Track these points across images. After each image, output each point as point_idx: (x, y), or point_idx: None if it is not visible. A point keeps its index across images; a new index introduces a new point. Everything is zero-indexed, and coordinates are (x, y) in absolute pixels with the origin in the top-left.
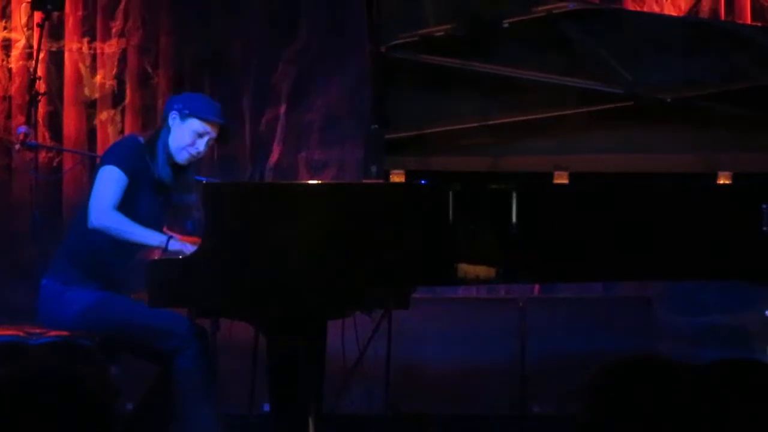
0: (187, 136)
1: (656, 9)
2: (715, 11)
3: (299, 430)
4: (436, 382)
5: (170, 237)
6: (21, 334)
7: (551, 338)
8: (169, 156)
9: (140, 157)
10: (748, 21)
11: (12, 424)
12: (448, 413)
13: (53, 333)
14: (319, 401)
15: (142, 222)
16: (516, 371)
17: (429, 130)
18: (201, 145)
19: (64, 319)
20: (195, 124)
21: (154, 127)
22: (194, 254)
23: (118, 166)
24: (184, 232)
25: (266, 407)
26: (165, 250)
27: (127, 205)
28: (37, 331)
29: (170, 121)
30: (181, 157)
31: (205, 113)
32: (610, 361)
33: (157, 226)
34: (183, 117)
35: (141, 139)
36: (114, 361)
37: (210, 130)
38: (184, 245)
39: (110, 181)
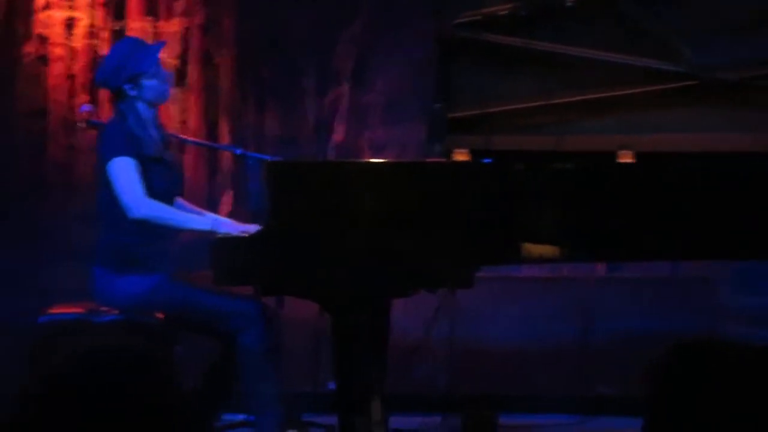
0: (156, 91)
1: None
2: None
3: (363, 409)
4: (500, 361)
5: (214, 220)
6: (85, 311)
7: (615, 318)
8: (152, 107)
9: (133, 137)
10: None
11: (79, 400)
12: (511, 393)
13: (117, 311)
14: (382, 380)
15: (164, 196)
16: (580, 351)
17: (492, 109)
18: (169, 81)
19: (123, 304)
20: (154, 77)
21: (215, 105)
22: (258, 232)
23: (126, 154)
24: (249, 212)
25: (331, 385)
26: (213, 233)
27: (145, 186)
28: (102, 309)
29: (130, 93)
30: (165, 97)
31: (148, 61)
32: (675, 341)
33: (176, 193)
34: (137, 83)
35: (120, 119)
36: (176, 338)
37: (165, 71)
38: (233, 226)
39: (129, 172)
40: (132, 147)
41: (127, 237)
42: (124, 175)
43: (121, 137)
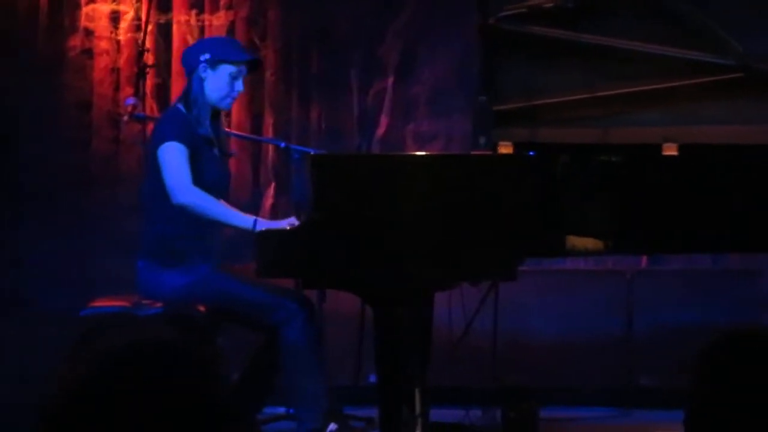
0: (223, 83)
1: None
2: None
3: (406, 402)
4: (543, 354)
5: (256, 219)
6: (128, 305)
7: (658, 310)
8: (212, 108)
9: (188, 124)
10: None
11: (123, 392)
12: (554, 386)
13: (160, 304)
14: (425, 373)
15: (212, 186)
16: (623, 344)
17: (537, 102)
18: (239, 85)
19: (167, 297)
20: (228, 69)
21: (260, 98)
22: (302, 225)
23: (177, 140)
24: (291, 204)
25: (372, 378)
26: (253, 231)
27: (194, 175)
28: (144, 302)
29: (201, 74)
30: (226, 104)
31: (234, 55)
32: (719, 333)
33: (225, 188)
34: (213, 66)
35: (180, 106)
36: (218, 331)
37: (242, 69)
38: (273, 224)
39: (178, 158)
40: (186, 134)
41: (171, 229)
42: (174, 159)
43: (176, 123)
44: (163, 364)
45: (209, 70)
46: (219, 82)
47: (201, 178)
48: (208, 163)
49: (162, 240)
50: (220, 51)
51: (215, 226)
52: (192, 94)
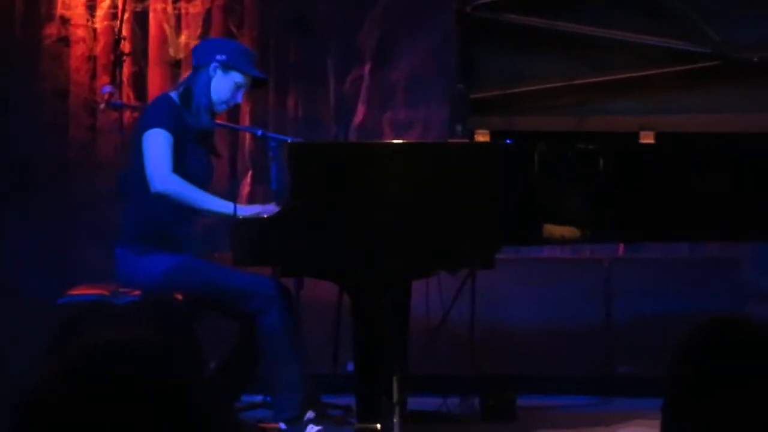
0: (227, 89)
1: None
2: None
3: (383, 390)
4: (521, 342)
5: (236, 205)
6: (105, 293)
7: (637, 299)
8: (210, 106)
9: (178, 114)
10: None
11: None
12: (532, 374)
13: (137, 292)
14: (403, 361)
15: (194, 179)
16: (601, 332)
17: (514, 90)
18: (239, 96)
19: (144, 285)
20: (237, 77)
21: None
22: (279, 213)
23: (162, 127)
24: (269, 192)
25: (350, 367)
26: (234, 217)
27: (176, 166)
28: (122, 290)
29: (210, 72)
30: (220, 108)
31: (248, 67)
32: (697, 321)
33: (208, 182)
34: (225, 69)
35: (173, 95)
36: (197, 320)
37: (248, 83)
38: (254, 209)
39: (160, 144)
40: (173, 123)
41: (150, 216)
42: (156, 146)
43: (165, 111)
44: (139, 360)
45: (220, 72)
46: (224, 86)
47: (184, 169)
48: (192, 154)
49: (141, 226)
50: (236, 58)
51: (194, 213)
52: (197, 87)
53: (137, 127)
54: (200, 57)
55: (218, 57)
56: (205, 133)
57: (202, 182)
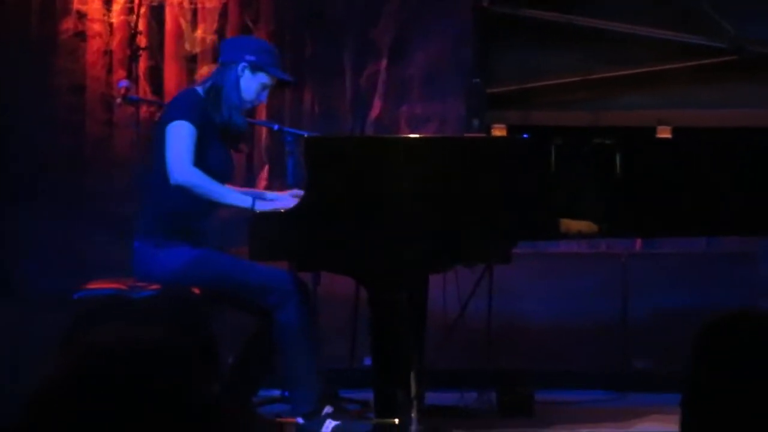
0: (253, 89)
1: None
2: None
3: (400, 384)
4: (537, 337)
5: (255, 198)
6: (122, 287)
7: (653, 294)
8: (240, 104)
9: (203, 109)
10: None
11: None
12: (549, 369)
13: (155, 286)
14: (420, 355)
15: (214, 174)
16: (618, 327)
17: (531, 85)
18: (264, 97)
19: (162, 278)
20: (264, 78)
21: None
22: (296, 207)
23: (187, 119)
24: (285, 187)
25: (367, 361)
26: (252, 210)
27: (198, 160)
28: (140, 284)
29: (239, 72)
30: (246, 107)
31: (275, 70)
32: (714, 315)
33: (228, 177)
34: (254, 70)
35: (199, 89)
36: (214, 314)
37: (273, 83)
38: (271, 197)
39: (184, 137)
40: (198, 117)
41: (170, 209)
42: (180, 138)
43: (189, 103)
44: (150, 356)
45: (248, 72)
46: (252, 87)
47: (204, 163)
48: (213, 150)
49: (160, 219)
50: (265, 59)
51: (213, 206)
52: (227, 84)
53: (161, 119)
54: (229, 54)
55: (248, 57)
56: (232, 129)
57: (223, 178)
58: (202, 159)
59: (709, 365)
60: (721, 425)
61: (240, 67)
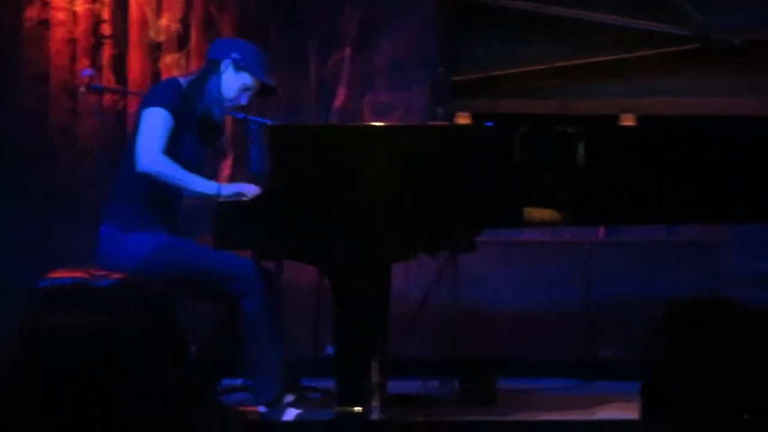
0: (234, 88)
1: None
2: None
3: (363, 373)
4: (501, 325)
5: (221, 185)
6: (86, 276)
7: (617, 282)
8: (220, 100)
9: (183, 99)
10: None
11: (82, 367)
12: (512, 357)
13: (119, 275)
14: (383, 344)
15: (185, 165)
16: (581, 315)
17: (496, 73)
18: (244, 98)
19: (128, 265)
20: (246, 79)
21: None
22: (259, 196)
23: (164, 107)
24: (249, 176)
25: (330, 350)
26: (218, 197)
27: (170, 148)
28: (103, 273)
29: (222, 68)
30: (227, 105)
31: (260, 72)
32: (675, 302)
33: (200, 169)
34: (237, 68)
35: (181, 81)
36: (178, 303)
37: (256, 86)
38: (237, 187)
39: (157, 124)
40: (176, 104)
41: (139, 196)
42: (151, 125)
43: (168, 91)
44: (121, 338)
45: (231, 69)
46: (233, 85)
47: (176, 152)
48: (187, 140)
49: (129, 205)
50: (250, 59)
51: (182, 194)
52: (210, 79)
53: (140, 106)
54: (216, 52)
55: (233, 55)
56: (210, 125)
57: (192, 170)
58: (174, 148)
59: (667, 352)
60: (680, 411)
61: (224, 64)
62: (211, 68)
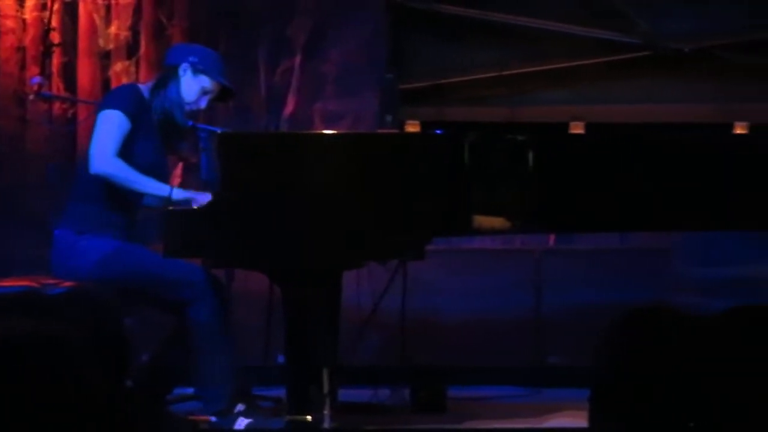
0: (194, 91)
1: None
2: None
3: (314, 381)
4: (452, 333)
5: (173, 188)
6: (35, 284)
7: (567, 289)
8: (180, 104)
9: (141, 103)
10: None
11: (28, 375)
12: (462, 365)
13: (68, 283)
14: (334, 352)
15: (141, 169)
16: (531, 323)
17: (445, 80)
18: (203, 102)
19: (79, 270)
20: (205, 82)
21: None
22: (209, 204)
23: (121, 109)
24: (199, 182)
25: (281, 358)
26: (170, 200)
27: (126, 151)
28: (52, 281)
29: (180, 72)
30: (187, 108)
31: (217, 75)
32: (624, 310)
33: (158, 174)
34: (196, 72)
35: (141, 87)
36: (129, 311)
37: (215, 89)
38: (190, 194)
39: (112, 126)
40: (133, 108)
41: (95, 201)
42: (106, 127)
43: (126, 95)
44: (66, 346)
45: (189, 73)
46: (192, 88)
47: (132, 155)
48: (145, 145)
49: (84, 210)
50: (207, 62)
51: (138, 200)
52: (169, 84)
53: (97, 109)
54: (173, 57)
55: (191, 58)
56: (172, 131)
57: (154, 176)
58: (129, 151)
59: (615, 360)
60: (628, 418)
61: (182, 68)
62: (170, 73)
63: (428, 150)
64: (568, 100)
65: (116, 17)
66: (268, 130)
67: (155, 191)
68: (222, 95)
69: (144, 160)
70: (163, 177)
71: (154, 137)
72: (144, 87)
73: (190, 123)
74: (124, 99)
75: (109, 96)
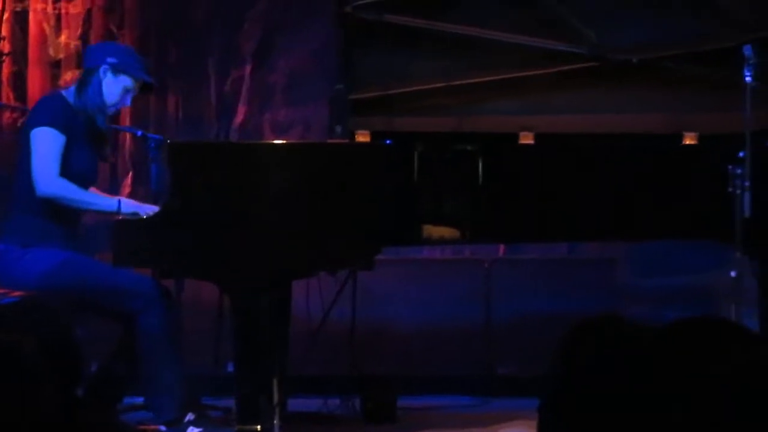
0: (117, 92)
1: None
2: None
3: (263, 391)
4: (402, 343)
5: (120, 200)
6: None
7: (516, 299)
8: (103, 108)
9: (68, 112)
10: None
11: None
12: (412, 375)
13: (16, 294)
14: (283, 362)
15: (82, 178)
16: (481, 332)
17: (394, 91)
18: (128, 100)
19: (26, 282)
20: (126, 81)
21: None
22: (158, 214)
23: (53, 126)
24: (149, 193)
25: (231, 367)
26: (118, 213)
27: (65, 164)
28: (1, 291)
29: (101, 74)
30: (110, 110)
31: (138, 72)
32: (576, 322)
33: (92, 181)
34: (116, 72)
35: (64, 93)
36: (78, 321)
37: (137, 87)
38: (137, 206)
39: (49, 145)
40: (64, 122)
41: (37, 213)
42: (44, 147)
43: (54, 108)
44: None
45: (110, 74)
46: (114, 90)
47: (69, 168)
48: (79, 154)
49: (27, 222)
50: (126, 61)
51: (81, 213)
52: (89, 88)
53: (26, 123)
54: (91, 59)
55: (109, 60)
56: (98, 134)
57: (85, 181)
58: (66, 163)
59: (565, 370)
60: (577, 429)
61: (102, 70)
62: (90, 76)
63: (378, 160)
64: (517, 111)
65: (66, 26)
66: (218, 140)
67: (103, 207)
68: (143, 89)
69: (78, 168)
70: (97, 181)
71: (86, 144)
72: (67, 93)
73: (140, 133)
74: (54, 113)
75: (37, 111)
